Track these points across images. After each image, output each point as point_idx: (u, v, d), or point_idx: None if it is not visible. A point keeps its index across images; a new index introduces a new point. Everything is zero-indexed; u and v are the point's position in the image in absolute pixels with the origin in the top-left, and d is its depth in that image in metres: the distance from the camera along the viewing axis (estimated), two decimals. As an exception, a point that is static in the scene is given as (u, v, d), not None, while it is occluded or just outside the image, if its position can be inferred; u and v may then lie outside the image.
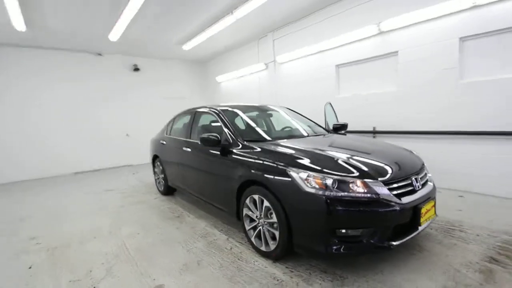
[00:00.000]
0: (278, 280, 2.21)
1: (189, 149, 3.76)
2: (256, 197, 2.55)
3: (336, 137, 3.37)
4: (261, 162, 2.53)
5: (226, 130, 3.19)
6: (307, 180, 2.14)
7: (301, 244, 2.22)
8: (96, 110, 8.13)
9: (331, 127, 4.01)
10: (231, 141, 3.04)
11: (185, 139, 3.97)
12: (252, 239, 2.68)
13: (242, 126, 3.43)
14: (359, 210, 2.02)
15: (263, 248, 2.55)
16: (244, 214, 2.75)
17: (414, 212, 2.16)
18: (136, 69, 8.67)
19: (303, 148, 2.65)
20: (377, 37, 4.94)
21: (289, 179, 2.22)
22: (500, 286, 1.98)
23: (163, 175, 4.73)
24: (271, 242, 2.46)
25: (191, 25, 6.34)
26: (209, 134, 3.09)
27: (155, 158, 5.07)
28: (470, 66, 3.98)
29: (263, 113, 4.03)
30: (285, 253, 2.38)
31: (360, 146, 2.84)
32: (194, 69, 10.17)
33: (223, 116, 3.40)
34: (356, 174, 2.14)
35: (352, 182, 2.08)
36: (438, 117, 4.32)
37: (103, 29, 6.12)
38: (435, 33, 4.21)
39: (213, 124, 3.61)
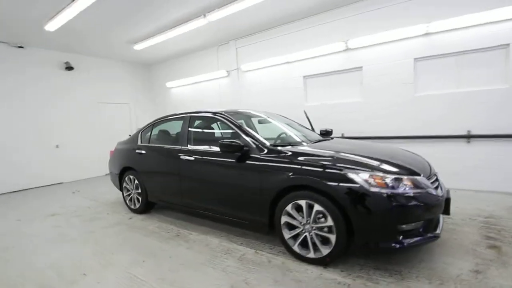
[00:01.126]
0: (344, 284, 2.18)
1: (190, 158, 3.35)
2: (302, 202, 2.46)
3: (342, 141, 3.55)
4: (306, 166, 2.48)
5: (244, 135, 3.00)
6: (369, 180, 2.20)
7: (364, 243, 2.25)
8: (13, 116, 6.41)
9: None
10: (253, 146, 2.87)
11: (181, 147, 3.52)
12: (295, 247, 2.55)
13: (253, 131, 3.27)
14: (415, 204, 2.18)
15: (311, 255, 2.46)
16: (282, 223, 2.61)
17: (447, 202, 2.46)
18: (69, 68, 7.25)
19: (335, 151, 2.71)
20: (344, 53, 5.49)
21: (349, 180, 2.24)
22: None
23: (139, 190, 4.06)
24: (322, 247, 2.40)
25: (152, 24, 5.75)
26: (231, 140, 2.86)
27: (124, 171, 4.32)
28: (422, 82, 4.82)
29: (261, 118, 3.93)
30: (340, 256, 2.36)
31: (377, 148, 3.06)
32: (141, 72, 9.17)
33: (235, 121, 3.20)
34: (406, 172, 2.32)
35: (405, 179, 2.24)
36: (398, 124, 5.05)
37: (40, 15, 4.94)
38: (395, 53, 4.96)
39: (223, 130, 3.35)
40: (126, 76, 8.75)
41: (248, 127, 3.34)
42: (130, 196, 4.29)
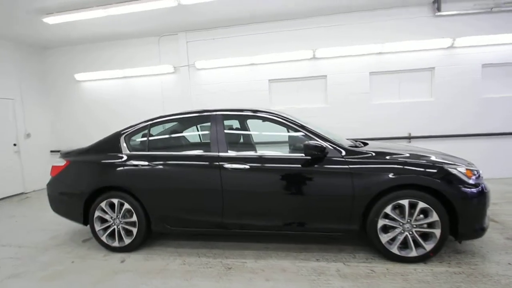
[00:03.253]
0: (461, 273, 2.28)
1: (241, 166, 2.64)
2: (405, 202, 2.40)
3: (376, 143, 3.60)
4: (408, 165, 2.45)
5: (315, 136, 2.66)
6: (466, 173, 2.41)
7: (465, 232, 2.42)
8: None
9: None
10: (331, 148, 2.59)
11: (220, 154, 2.71)
12: (394, 250, 2.46)
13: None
14: (488, 191, 2.54)
15: (413, 254, 2.43)
16: (379, 226, 2.46)
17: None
18: None
19: (404, 150, 2.82)
20: (311, 61, 5.79)
21: (452, 174, 2.37)
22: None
23: (132, 219, 2.85)
24: (426, 243, 2.42)
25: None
26: (315, 142, 2.49)
27: (97, 194, 2.92)
28: (376, 93, 5.71)
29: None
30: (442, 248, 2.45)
31: (413, 147, 3.33)
32: (34, 58, 6.47)
33: (296, 120, 2.81)
34: (471, 165, 2.67)
35: (479, 172, 2.59)
36: (356, 127, 5.75)
37: None
38: (355, 66, 5.66)
39: (272, 131, 2.85)
40: (8, 60, 5.99)
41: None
42: (111, 230, 2.94)
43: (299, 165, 2.61)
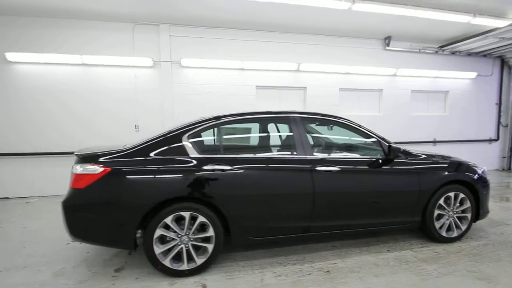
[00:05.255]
0: (490, 244, 2.92)
1: (333, 169, 2.57)
2: (451, 194, 2.91)
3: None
4: (455, 165, 2.98)
5: (382, 140, 2.89)
6: (484, 170, 3.13)
7: (482, 214, 3.07)
8: None
9: None
10: (397, 151, 2.87)
11: (307, 157, 2.55)
12: (443, 233, 2.93)
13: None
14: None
15: (454, 235, 2.96)
16: (435, 215, 2.87)
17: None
18: None
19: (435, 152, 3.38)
20: (295, 72, 6.07)
21: (477, 172, 3.04)
22: None
23: (207, 233, 2.32)
24: (463, 225, 2.98)
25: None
26: (397, 145, 2.73)
27: (159, 207, 2.24)
28: (343, 106, 6.48)
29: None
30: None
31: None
32: None
33: (360, 126, 2.96)
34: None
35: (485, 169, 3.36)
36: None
37: None
38: (329, 82, 6.28)
39: (343, 135, 2.92)
40: None
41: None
42: (177, 251, 2.29)
43: (378, 166, 2.76)
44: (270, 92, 6.08)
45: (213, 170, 2.35)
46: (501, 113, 7.41)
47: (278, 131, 2.88)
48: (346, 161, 2.73)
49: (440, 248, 2.87)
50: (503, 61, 7.21)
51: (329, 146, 3.04)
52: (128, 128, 5.35)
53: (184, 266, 2.31)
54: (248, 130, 2.88)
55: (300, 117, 2.76)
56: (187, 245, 2.32)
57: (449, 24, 5.31)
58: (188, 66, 5.49)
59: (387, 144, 2.81)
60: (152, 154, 2.37)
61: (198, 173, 2.32)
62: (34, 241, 3.07)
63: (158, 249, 2.26)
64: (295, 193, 2.52)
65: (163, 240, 2.31)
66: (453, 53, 6.83)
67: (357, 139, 3.01)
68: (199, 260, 2.34)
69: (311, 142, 2.76)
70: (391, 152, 2.74)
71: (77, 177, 2.22)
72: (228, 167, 2.38)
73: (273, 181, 2.49)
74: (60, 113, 5.03)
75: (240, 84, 5.80)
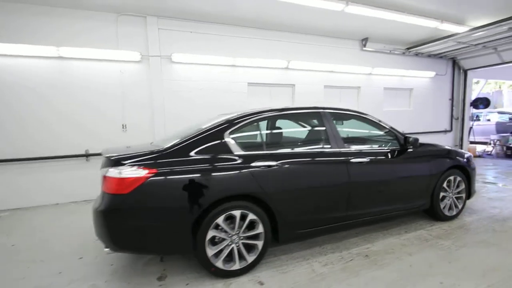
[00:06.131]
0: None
1: (363, 160, 2.73)
2: (452, 178, 3.30)
3: None
4: (454, 154, 3.38)
5: (398, 133, 3.16)
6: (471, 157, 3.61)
7: (471, 193, 3.56)
8: None
9: None
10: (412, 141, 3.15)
11: (341, 150, 2.68)
12: (446, 212, 3.31)
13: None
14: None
15: (452, 213, 3.37)
16: (441, 197, 3.25)
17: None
18: None
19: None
20: (284, 70, 6.18)
21: (468, 159, 3.49)
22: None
23: (261, 229, 2.30)
24: (460, 205, 3.41)
25: None
26: (414, 137, 3.02)
27: (215, 204, 2.15)
28: (328, 102, 6.80)
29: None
30: (462, 206, 3.52)
31: None
32: None
33: (380, 121, 3.18)
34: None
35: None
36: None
37: None
38: (315, 79, 6.54)
39: (364, 129, 3.12)
40: None
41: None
42: (228, 251, 2.22)
43: (399, 155, 3.01)
44: (261, 89, 6.11)
45: (259, 167, 2.32)
46: (453, 107, 8.55)
47: (311, 126, 2.94)
48: (373, 152, 2.92)
49: (445, 225, 3.25)
50: (454, 62, 8.31)
51: (354, 139, 3.20)
52: (115, 127, 4.91)
53: (236, 266, 2.25)
54: (286, 126, 2.89)
55: (329, 112, 2.87)
56: (237, 244, 2.26)
57: (418, 28, 5.93)
58: (179, 61, 5.22)
59: (403, 136, 3.08)
60: (192, 153, 2.25)
61: (247, 170, 2.27)
62: (37, 260, 2.66)
63: (210, 251, 2.16)
64: (335, 184, 2.62)
65: (213, 241, 2.21)
66: (416, 54, 7.65)
67: (376, 132, 3.21)
68: (250, 258, 2.30)
69: (344, 136, 2.88)
70: (407, 143, 3.01)
71: (118, 181, 2.00)
72: (274, 163, 2.38)
73: (315, 174, 2.56)
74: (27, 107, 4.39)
75: (232, 81, 5.71)
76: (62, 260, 2.65)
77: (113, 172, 2.03)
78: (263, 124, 2.63)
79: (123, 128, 4.96)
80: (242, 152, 2.35)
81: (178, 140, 2.32)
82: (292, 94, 6.39)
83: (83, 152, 4.69)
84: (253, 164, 2.30)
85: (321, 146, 2.74)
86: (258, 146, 2.53)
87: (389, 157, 2.96)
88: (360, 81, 7.10)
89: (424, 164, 3.13)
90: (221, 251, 2.22)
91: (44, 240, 3.10)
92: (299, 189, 2.47)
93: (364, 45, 6.89)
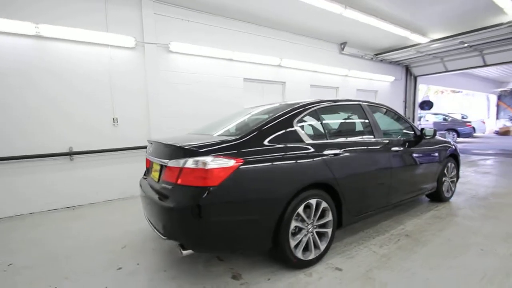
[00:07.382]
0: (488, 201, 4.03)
1: (400, 149, 2.98)
2: (449, 164, 3.83)
3: None
4: (447, 142, 3.90)
5: (414, 126, 3.54)
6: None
7: (459, 176, 4.18)
8: None
9: None
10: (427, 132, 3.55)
11: (381, 140, 2.87)
12: (447, 194, 3.82)
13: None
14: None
15: (449, 195, 3.91)
16: (443, 180, 3.74)
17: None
18: None
19: None
20: (277, 67, 6.25)
21: (455, 148, 4.09)
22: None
23: (328, 218, 2.32)
24: (453, 187, 3.97)
25: None
26: (431, 128, 3.40)
27: (295, 196, 2.08)
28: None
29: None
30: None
31: None
32: None
33: (400, 114, 3.50)
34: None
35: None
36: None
37: None
38: (302, 78, 6.78)
39: (398, 122, 3.42)
40: None
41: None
42: (306, 240, 2.18)
43: (420, 144, 3.36)
44: (255, 86, 6.07)
45: (328, 155, 2.34)
46: (406, 108, 9.84)
47: (357, 117, 3.04)
48: (402, 141, 3.19)
49: (446, 206, 3.75)
50: (407, 69, 9.58)
51: (385, 130, 3.44)
52: (106, 120, 4.29)
53: (312, 255, 2.22)
54: (342, 116, 2.95)
55: (367, 104, 3.04)
56: (312, 233, 2.24)
57: (389, 36, 6.68)
58: (177, 51, 4.84)
59: (419, 128, 3.45)
60: (266, 142, 2.14)
61: (321, 159, 2.26)
62: (60, 276, 2.18)
63: (293, 242, 2.09)
64: (383, 171, 2.80)
65: (293, 232, 2.14)
66: (381, 60, 8.58)
67: (397, 123, 3.51)
68: (322, 246, 2.30)
69: (379, 127, 3.07)
70: (424, 134, 3.38)
71: (206, 172, 1.78)
72: (339, 151, 2.42)
73: (370, 162, 2.69)
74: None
75: (229, 75, 5.54)
76: (91, 272, 2.22)
77: (198, 162, 1.80)
78: (321, 114, 2.65)
79: (114, 122, 4.36)
80: (311, 141, 2.33)
81: (254, 127, 2.17)
82: (282, 91, 6.51)
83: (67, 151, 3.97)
84: (325, 152, 2.31)
85: (367, 135, 2.88)
86: (320, 135, 2.53)
87: (413, 146, 3.27)
88: (338, 82, 7.63)
89: (435, 152, 3.56)
90: (299, 241, 2.16)
91: (43, 259, 2.54)
92: (359, 176, 2.57)
93: (343, 49, 7.43)
